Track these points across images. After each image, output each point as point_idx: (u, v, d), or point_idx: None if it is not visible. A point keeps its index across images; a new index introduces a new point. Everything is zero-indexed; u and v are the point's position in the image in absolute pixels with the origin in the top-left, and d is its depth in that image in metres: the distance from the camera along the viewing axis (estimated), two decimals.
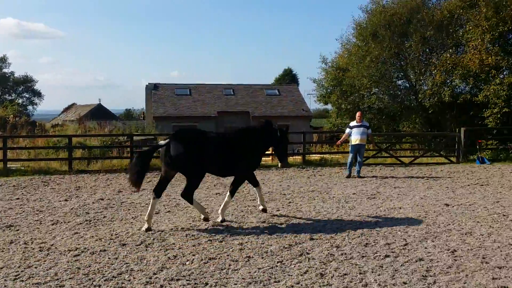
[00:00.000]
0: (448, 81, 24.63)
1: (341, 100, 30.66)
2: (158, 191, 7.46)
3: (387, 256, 5.87)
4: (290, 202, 9.70)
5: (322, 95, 34.37)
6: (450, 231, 7.08)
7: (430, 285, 4.89)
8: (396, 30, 26.49)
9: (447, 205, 9.24)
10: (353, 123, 13.92)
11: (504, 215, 8.18)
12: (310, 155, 18.71)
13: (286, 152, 8.52)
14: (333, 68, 32.22)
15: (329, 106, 36.94)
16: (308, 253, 6.02)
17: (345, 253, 5.99)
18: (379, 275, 5.19)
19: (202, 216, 7.82)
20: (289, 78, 63.17)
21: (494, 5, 21.87)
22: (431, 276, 5.15)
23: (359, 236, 6.82)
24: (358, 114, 14.01)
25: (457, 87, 24.87)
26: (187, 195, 7.50)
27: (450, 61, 23.37)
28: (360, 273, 5.25)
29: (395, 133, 25.64)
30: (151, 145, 13.62)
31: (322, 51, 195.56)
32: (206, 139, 7.56)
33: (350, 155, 13.80)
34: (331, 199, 10.06)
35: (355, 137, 13.67)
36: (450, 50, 24.70)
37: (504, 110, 21.15)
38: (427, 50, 27.12)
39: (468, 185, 11.86)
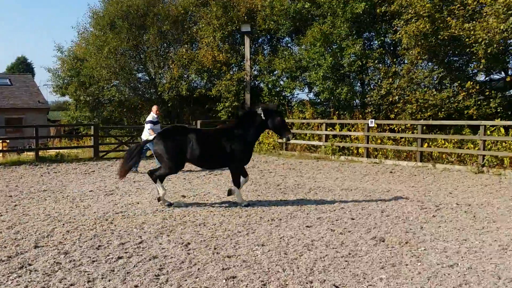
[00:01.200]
0: (185, 75, 25.71)
1: (79, 91, 28.88)
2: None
3: (120, 257, 5.43)
4: (16, 205, 8.33)
5: (58, 86, 31.79)
6: (185, 223, 7.09)
7: (163, 284, 4.65)
8: (134, 22, 26.29)
9: (183, 196, 9.38)
10: (154, 117, 13.08)
11: (235, 203, 8.71)
12: (46, 151, 16.88)
13: (282, 126, 8.55)
14: (70, 58, 30.07)
15: (67, 98, 34.44)
16: (30, 265, 5.12)
17: (74, 260, 5.31)
18: (109, 280, 4.72)
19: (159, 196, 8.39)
20: (23, 67, 56.63)
21: (223, 5, 23.77)
22: (164, 274, 4.93)
23: (91, 238, 6.19)
24: (156, 108, 13.24)
25: (193, 81, 26.19)
26: (156, 175, 8.29)
27: (186, 56, 24.42)
28: (88, 281, 4.67)
29: (137, 126, 25.51)
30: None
31: (58, 39, 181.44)
32: (187, 135, 8.23)
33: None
34: (65, 198, 9.07)
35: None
36: (186, 46, 25.84)
37: (234, 104, 23.27)
38: (165, 44, 27.75)
39: (204, 175, 12.43)
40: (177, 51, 25.97)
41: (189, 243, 6.02)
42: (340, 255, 5.58)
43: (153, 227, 6.84)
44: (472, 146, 14.47)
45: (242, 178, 8.68)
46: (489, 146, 14.06)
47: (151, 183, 10.81)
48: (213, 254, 5.61)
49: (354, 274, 4.97)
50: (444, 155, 15.17)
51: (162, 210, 8.00)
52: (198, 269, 5.10)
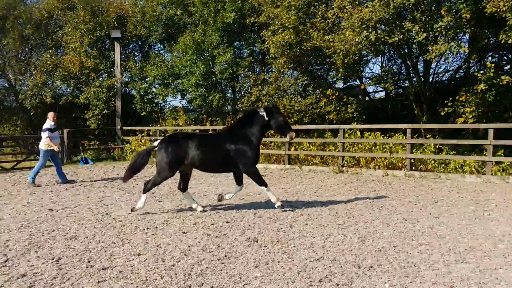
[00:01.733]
0: (49, 82, 24.04)
1: None
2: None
3: None
4: None
5: None
6: (54, 237, 6.71)
7: None
8: None
9: (51, 210, 8.83)
10: (51, 125, 12.09)
11: (108, 214, 8.44)
12: None
13: (285, 125, 8.54)
14: None
15: None
16: None
17: None
18: None
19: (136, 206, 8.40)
20: None
21: (91, 9, 22.75)
22: None
23: None
24: (53, 114, 12.38)
25: (58, 88, 24.60)
26: (150, 184, 8.28)
27: (50, 62, 22.85)
28: None
29: None
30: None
31: None
32: (190, 141, 8.20)
33: (42, 161, 12.26)
34: None
35: (56, 141, 12.29)
36: (51, 51, 24.19)
37: (104, 112, 22.37)
38: (26, 49, 25.71)
39: (72, 187, 11.82)
40: (41, 56, 24.18)
41: (60, 258, 5.73)
42: (216, 258, 5.78)
43: (19, 244, 6.36)
44: (333, 148, 15.77)
45: (237, 187, 8.69)
46: (347, 148, 15.48)
47: (15, 196, 9.99)
48: (87, 267, 5.41)
49: (230, 275, 5.19)
50: (309, 157, 16.33)
51: (28, 226, 7.46)
52: (72, 283, 4.89)
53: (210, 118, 20.55)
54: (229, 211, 8.64)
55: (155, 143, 8.44)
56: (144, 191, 8.30)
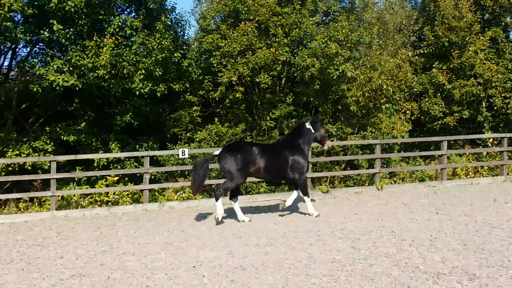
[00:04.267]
0: None
1: None
2: (231, 194, 9.04)
3: None
4: None
5: None
6: None
7: None
8: None
9: None
10: None
11: None
12: None
13: (324, 136, 9.36)
14: None
15: None
16: None
17: None
18: None
19: (217, 216, 8.65)
20: None
21: None
22: None
23: None
24: None
25: None
26: (221, 189, 8.67)
27: None
28: None
29: None
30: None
31: None
32: (254, 148, 8.73)
33: None
34: None
35: None
36: None
37: None
38: None
39: None
40: None
41: None
42: None
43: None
44: None
45: (294, 192, 9.13)
46: None
47: None
48: None
49: None
50: None
51: None
52: None
53: None
54: None
55: (216, 152, 8.92)
56: (217, 199, 8.65)
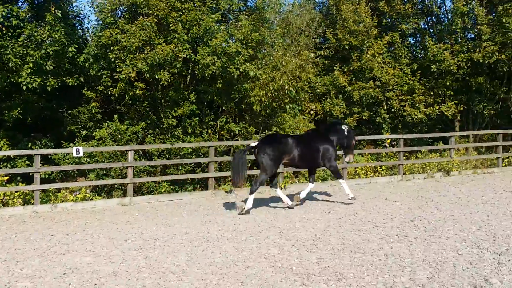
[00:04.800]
0: None
1: None
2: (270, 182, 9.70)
3: None
4: None
5: None
6: None
7: None
8: None
9: None
10: None
11: None
12: None
13: (351, 147, 9.91)
14: None
15: None
16: None
17: None
18: None
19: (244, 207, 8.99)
20: None
21: None
22: None
23: None
24: None
25: None
26: (258, 183, 9.07)
27: None
28: None
29: None
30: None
31: None
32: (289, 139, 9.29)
33: None
34: None
35: None
36: None
37: None
38: None
39: None
40: None
41: None
42: None
43: None
44: None
45: (310, 185, 9.83)
46: None
47: None
48: None
49: None
50: None
51: None
52: None
53: None
54: None
55: (253, 144, 9.26)
56: (251, 192, 9.07)
